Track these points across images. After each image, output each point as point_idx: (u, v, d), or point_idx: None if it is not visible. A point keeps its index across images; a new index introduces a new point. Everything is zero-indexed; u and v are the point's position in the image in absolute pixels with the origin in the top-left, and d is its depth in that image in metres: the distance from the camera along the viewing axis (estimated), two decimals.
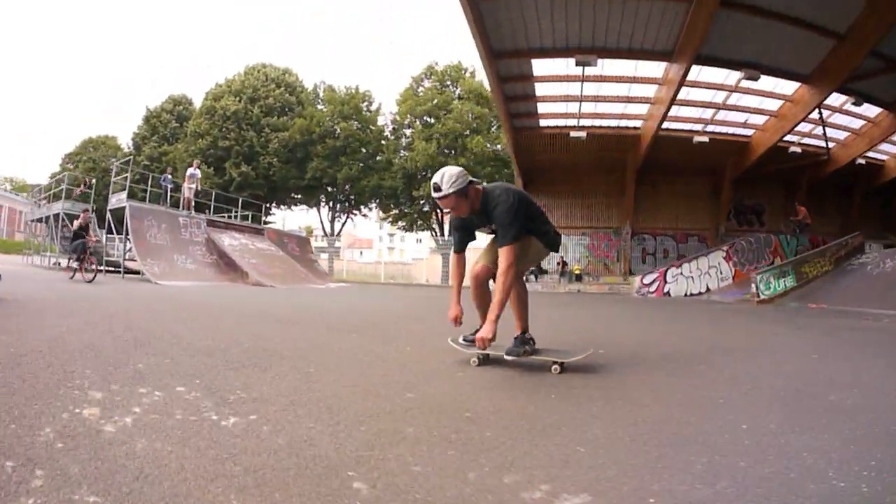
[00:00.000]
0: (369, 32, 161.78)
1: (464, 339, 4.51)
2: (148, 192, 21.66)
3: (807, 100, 20.50)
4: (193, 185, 21.47)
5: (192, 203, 21.49)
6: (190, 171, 21.72)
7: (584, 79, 20.53)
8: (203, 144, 39.05)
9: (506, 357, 4.17)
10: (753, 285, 18.12)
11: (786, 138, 23.64)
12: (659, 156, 25.25)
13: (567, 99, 22.89)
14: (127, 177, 19.82)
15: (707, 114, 23.77)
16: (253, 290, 15.24)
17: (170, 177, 23.10)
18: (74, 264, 15.12)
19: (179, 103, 48.21)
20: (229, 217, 25.98)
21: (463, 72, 41.61)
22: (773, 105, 22.29)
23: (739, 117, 23.94)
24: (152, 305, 8.51)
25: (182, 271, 17.95)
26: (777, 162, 25.43)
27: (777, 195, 28.95)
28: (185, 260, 18.87)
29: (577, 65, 18.55)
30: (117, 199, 19.51)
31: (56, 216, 22.42)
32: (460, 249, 4.54)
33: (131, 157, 21.28)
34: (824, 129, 23.36)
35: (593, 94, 22.25)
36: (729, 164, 26.89)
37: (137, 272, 18.59)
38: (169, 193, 22.67)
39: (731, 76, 19.88)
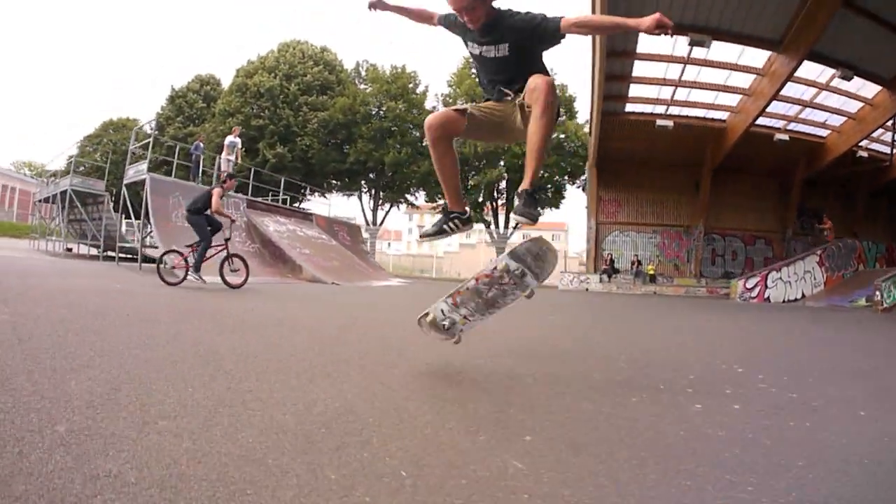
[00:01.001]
0: (369, 32, 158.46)
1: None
2: (174, 167, 17.28)
3: (887, 104, 20.09)
4: (232, 158, 17.52)
5: (233, 179, 17.34)
6: (229, 139, 17.68)
7: (687, 61, 19.50)
8: (233, 124, 35.03)
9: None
10: (878, 293, 16.07)
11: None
12: (736, 152, 24.06)
13: (664, 83, 21.62)
14: (149, 143, 15.79)
15: (792, 111, 22.77)
16: (318, 291, 11.79)
17: (202, 145, 18.84)
18: (190, 258, 10.27)
19: (207, 83, 44.98)
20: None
21: None
22: (853, 107, 21.78)
23: (819, 117, 23.10)
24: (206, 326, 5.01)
25: (217, 262, 13.98)
26: (843, 166, 24.65)
27: (835, 199, 27.63)
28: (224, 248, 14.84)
29: (689, 44, 17.60)
30: (135, 171, 15.73)
31: (63, 194, 18.49)
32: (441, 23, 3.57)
33: (155, 119, 16.72)
34: (893, 136, 23.11)
35: (691, 79, 21.13)
36: (801, 165, 25.86)
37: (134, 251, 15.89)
38: (201, 166, 18.41)
39: (823, 73, 19.31)
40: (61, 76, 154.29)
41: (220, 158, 17.66)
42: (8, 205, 46.77)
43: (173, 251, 10.51)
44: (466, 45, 3.46)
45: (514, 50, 3.23)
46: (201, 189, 16.29)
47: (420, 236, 3.54)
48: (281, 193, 22.49)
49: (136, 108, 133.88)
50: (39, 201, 24.13)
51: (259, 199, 19.62)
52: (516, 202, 3.26)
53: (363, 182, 39.19)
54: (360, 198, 39.79)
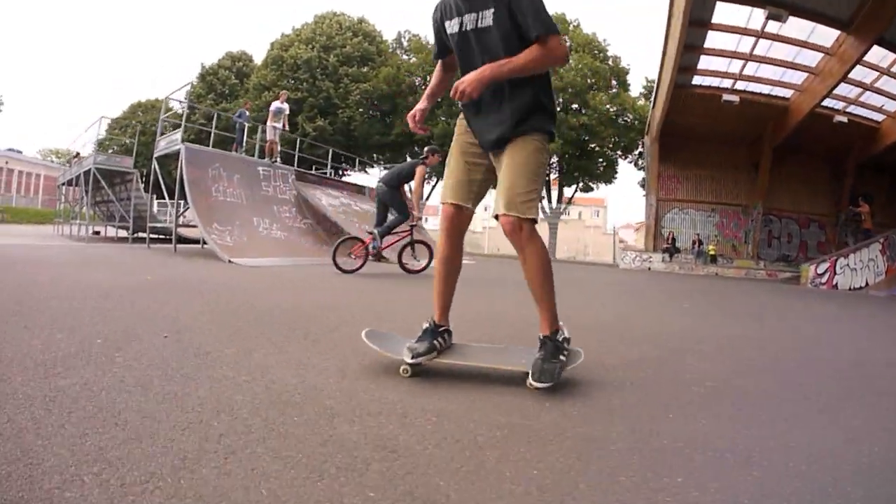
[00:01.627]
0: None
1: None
2: (211, 140, 14.50)
3: None
4: (279, 125, 15.22)
5: (278, 148, 15.21)
6: (276, 105, 15.35)
7: (761, 34, 18.62)
8: (270, 98, 33.08)
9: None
10: None
11: None
12: (796, 132, 23.00)
13: (735, 56, 20.53)
14: (182, 113, 13.65)
15: (853, 93, 21.43)
16: (398, 271, 9.70)
17: (247, 112, 16.46)
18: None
19: (239, 59, 43.27)
20: None
21: (567, 24, 35.68)
22: None
23: (877, 100, 21.87)
24: None
25: (266, 242, 12.00)
26: None
27: (882, 185, 25.69)
28: (270, 225, 12.79)
29: (766, 17, 16.71)
30: (167, 142, 13.50)
31: (87, 174, 16.56)
32: (443, 56, 2.93)
33: (189, 85, 14.43)
34: None
35: (761, 54, 20.09)
36: (855, 149, 24.69)
37: (195, 241, 13.93)
38: (245, 135, 16.10)
39: (885, 58, 18.14)
40: (60, 76, 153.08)
41: (267, 126, 15.39)
42: (34, 192, 45.83)
43: (352, 238, 9.68)
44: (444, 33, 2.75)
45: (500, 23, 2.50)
46: (245, 159, 14.21)
47: (412, 358, 2.59)
48: (328, 165, 20.23)
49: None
50: (63, 184, 22.50)
51: (309, 172, 17.39)
52: (536, 356, 2.58)
53: (408, 155, 36.69)
54: None
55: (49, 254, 9.61)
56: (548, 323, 2.61)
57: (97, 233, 17.74)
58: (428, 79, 34.33)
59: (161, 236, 15.62)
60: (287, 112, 15.68)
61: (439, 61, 2.97)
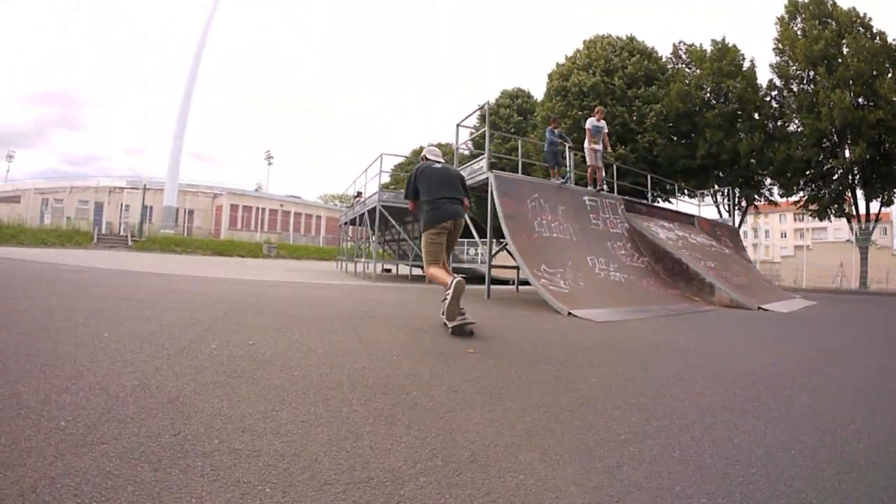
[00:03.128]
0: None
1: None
2: (520, 164, 12.61)
3: None
4: (599, 147, 12.56)
5: (602, 174, 12.70)
6: (592, 122, 12.59)
7: None
8: (558, 124, 31.18)
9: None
10: None
11: None
12: None
13: None
14: (485, 133, 11.50)
15: None
16: (757, 322, 8.12)
17: (557, 131, 13.40)
18: None
19: (517, 96, 42.96)
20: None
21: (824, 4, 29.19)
22: None
23: None
24: None
25: (606, 287, 9.34)
26: None
27: None
28: (607, 265, 10.14)
29: None
30: (469, 173, 11.56)
31: (372, 212, 16.12)
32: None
33: (486, 105, 12.21)
34: None
35: None
36: None
37: (504, 282, 14.21)
38: (559, 157, 13.06)
39: None
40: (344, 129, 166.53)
41: (585, 149, 12.76)
42: (314, 231, 50.00)
43: None
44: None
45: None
46: (567, 188, 11.70)
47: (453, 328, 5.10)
48: (649, 193, 17.39)
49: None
50: (345, 223, 23.28)
51: (638, 200, 14.65)
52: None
53: (714, 178, 32.46)
54: (714, 197, 32.42)
55: (341, 298, 7.99)
56: None
57: (387, 270, 17.13)
58: (725, 82, 30.25)
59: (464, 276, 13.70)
60: (606, 131, 12.78)
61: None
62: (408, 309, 7.48)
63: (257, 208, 46.78)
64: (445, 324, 5.26)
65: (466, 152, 44.38)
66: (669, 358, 4.63)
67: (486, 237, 10.67)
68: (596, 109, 13.12)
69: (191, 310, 5.91)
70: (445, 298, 5.17)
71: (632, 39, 34.92)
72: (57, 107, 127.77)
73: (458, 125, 14.02)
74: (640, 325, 6.76)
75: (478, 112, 16.97)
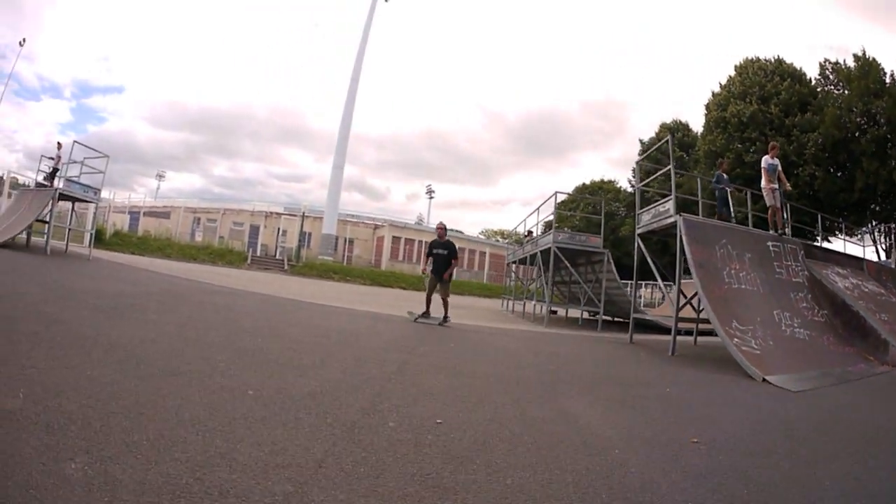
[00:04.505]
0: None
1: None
2: (700, 206, 12.24)
3: None
4: (776, 185, 12.19)
5: (784, 215, 12.38)
6: (767, 161, 12.30)
7: None
8: (728, 165, 30.19)
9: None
10: None
11: None
12: None
13: None
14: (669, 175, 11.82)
15: None
16: None
17: (725, 176, 13.06)
18: None
19: (676, 129, 42.05)
20: None
21: None
22: None
23: None
24: None
25: (792, 347, 9.03)
26: None
27: None
28: (791, 320, 9.78)
29: None
30: (653, 216, 11.58)
31: (545, 252, 16.00)
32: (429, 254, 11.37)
33: (670, 141, 12.46)
34: None
35: None
36: None
37: (654, 324, 13.50)
38: (730, 201, 13.05)
39: None
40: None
41: (765, 189, 12.39)
42: (478, 267, 50.15)
43: None
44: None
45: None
46: (752, 233, 11.47)
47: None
48: (820, 233, 16.66)
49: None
50: (513, 262, 23.17)
51: (815, 244, 14.14)
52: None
53: (871, 213, 29.81)
54: (872, 234, 29.78)
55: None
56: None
57: (553, 312, 17.13)
58: (874, 103, 27.94)
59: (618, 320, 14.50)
60: (780, 168, 12.62)
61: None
62: (599, 369, 7.59)
63: (419, 241, 48.02)
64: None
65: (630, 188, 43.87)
66: (886, 447, 4.29)
67: (665, 279, 10.74)
68: (770, 146, 12.75)
69: (356, 359, 5.64)
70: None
71: (780, 62, 33.43)
72: (209, 134, 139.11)
73: (637, 162, 14.42)
74: (834, 397, 6.50)
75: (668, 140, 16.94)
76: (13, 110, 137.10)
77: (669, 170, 11.25)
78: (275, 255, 39.47)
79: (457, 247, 11.49)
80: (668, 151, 12.07)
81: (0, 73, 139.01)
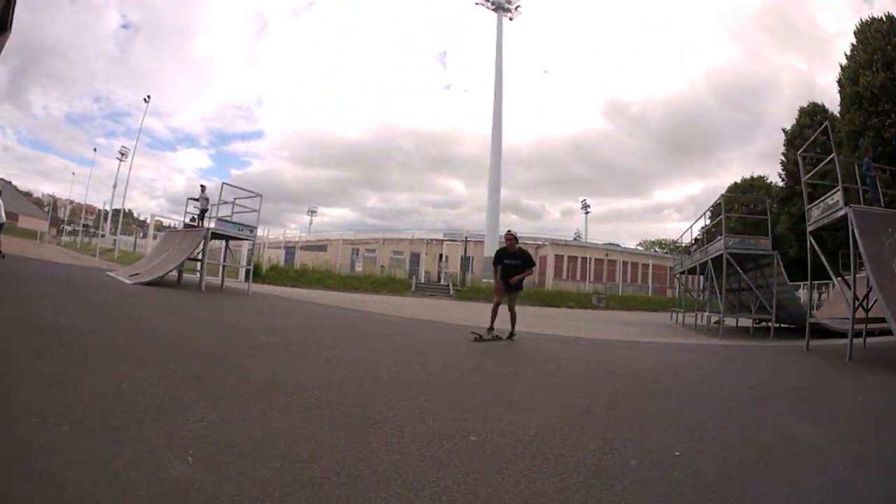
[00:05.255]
0: None
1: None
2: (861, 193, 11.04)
3: None
4: None
5: None
6: None
7: None
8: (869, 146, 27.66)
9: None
10: None
11: None
12: None
13: None
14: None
15: None
16: None
17: (867, 159, 11.70)
18: None
19: (815, 113, 38.96)
20: None
21: None
22: None
23: None
24: None
25: None
26: None
27: None
28: None
29: None
30: (822, 210, 10.70)
31: (715, 260, 15.43)
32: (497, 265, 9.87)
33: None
34: None
35: None
36: None
37: (820, 328, 12.49)
38: (878, 186, 11.41)
39: None
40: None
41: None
42: (641, 280, 48.78)
43: None
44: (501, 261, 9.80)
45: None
46: None
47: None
48: None
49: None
50: (681, 273, 22.12)
51: None
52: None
53: None
54: None
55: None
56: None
57: (717, 323, 16.22)
58: None
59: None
60: None
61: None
62: (790, 381, 7.11)
63: (581, 258, 47.39)
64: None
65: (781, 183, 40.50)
66: None
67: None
68: None
69: (563, 389, 5.44)
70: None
71: (892, 20, 30.50)
72: (357, 169, 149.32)
73: (800, 154, 13.58)
74: None
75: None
76: (148, 161, 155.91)
77: (833, 158, 10.46)
78: (438, 281, 40.00)
79: (531, 255, 10.26)
80: (821, 139, 11.25)
81: (129, 129, 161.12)
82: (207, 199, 19.83)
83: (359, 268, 43.43)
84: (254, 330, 8.18)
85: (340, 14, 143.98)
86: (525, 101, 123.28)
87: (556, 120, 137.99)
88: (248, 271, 18.91)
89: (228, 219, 17.09)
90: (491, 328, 9.48)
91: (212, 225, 16.79)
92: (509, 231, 10.08)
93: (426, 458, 2.92)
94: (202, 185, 20.83)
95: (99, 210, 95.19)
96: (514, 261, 9.78)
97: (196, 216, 19.88)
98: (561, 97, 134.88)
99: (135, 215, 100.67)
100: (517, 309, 9.86)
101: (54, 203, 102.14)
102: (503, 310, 9.65)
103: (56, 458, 2.35)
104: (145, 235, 55.13)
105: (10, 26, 20.06)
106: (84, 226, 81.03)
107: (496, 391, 4.97)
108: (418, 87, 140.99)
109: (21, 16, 19.24)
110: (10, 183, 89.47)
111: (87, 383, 3.69)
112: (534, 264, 10.16)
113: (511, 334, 9.60)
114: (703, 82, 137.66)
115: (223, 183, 17.96)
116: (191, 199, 20.38)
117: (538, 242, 51.38)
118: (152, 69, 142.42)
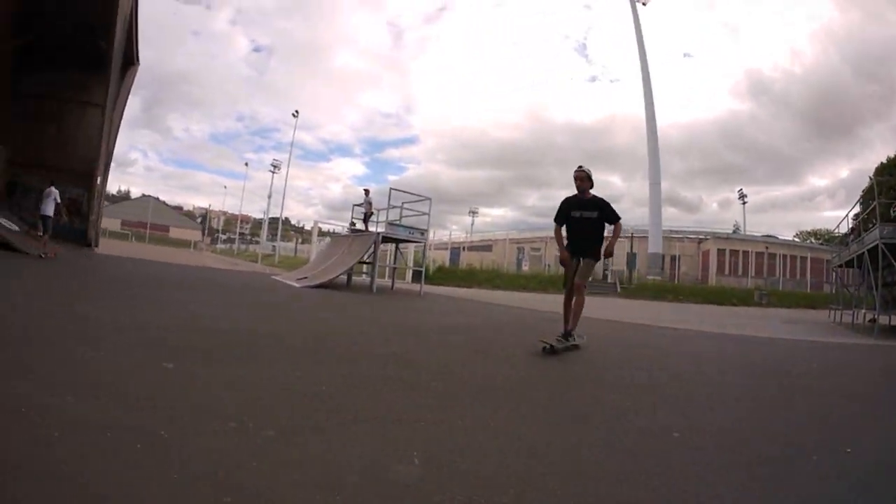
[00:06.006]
0: None
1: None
2: None
3: None
4: None
5: None
6: None
7: None
8: None
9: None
10: None
11: None
12: None
13: None
14: None
15: None
16: None
17: None
18: None
19: None
20: None
21: None
22: None
23: None
24: None
25: None
26: None
27: None
28: None
29: None
30: None
31: (872, 251, 14.52)
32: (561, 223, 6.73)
33: None
34: None
35: None
36: None
37: None
38: None
39: None
40: None
41: None
42: (799, 274, 46.04)
43: None
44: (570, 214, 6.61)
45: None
46: None
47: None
48: None
49: None
50: (838, 266, 20.66)
51: None
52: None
53: None
54: None
55: None
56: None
57: (872, 321, 15.01)
58: None
59: None
60: None
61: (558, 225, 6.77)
62: None
63: (742, 252, 45.74)
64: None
65: None
66: None
67: None
68: None
69: (778, 389, 5.25)
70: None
71: None
72: (514, 168, 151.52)
73: None
74: None
75: None
76: (302, 172, 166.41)
77: None
78: (604, 279, 39.31)
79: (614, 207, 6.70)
80: None
81: (278, 143, 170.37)
82: (370, 203, 20.46)
83: (526, 267, 44.07)
84: (438, 329, 8.28)
85: (472, 17, 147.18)
86: (670, 86, 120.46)
87: (703, 105, 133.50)
88: (417, 272, 19.39)
89: (397, 222, 17.29)
90: (567, 332, 6.32)
91: (382, 229, 17.16)
92: (581, 167, 6.58)
93: (628, 451, 2.94)
94: (366, 190, 21.44)
95: (253, 219, 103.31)
96: (588, 212, 6.51)
97: (360, 220, 20.75)
98: (704, 80, 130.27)
99: (291, 222, 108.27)
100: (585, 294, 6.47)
101: (206, 214, 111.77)
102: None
103: (263, 466, 2.22)
104: (303, 241, 59.28)
105: (138, 59, 22.56)
106: (240, 234, 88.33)
107: (688, 390, 4.95)
108: (564, 82, 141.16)
109: (144, 53, 21.97)
110: (157, 199, 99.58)
111: (279, 385, 3.68)
112: (618, 218, 6.62)
113: (567, 334, 6.32)
114: (834, 53, 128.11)
115: (391, 188, 18.48)
116: (355, 205, 21.26)
117: (700, 236, 49.78)
118: (293, 85, 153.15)
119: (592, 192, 6.68)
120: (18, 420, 2.39)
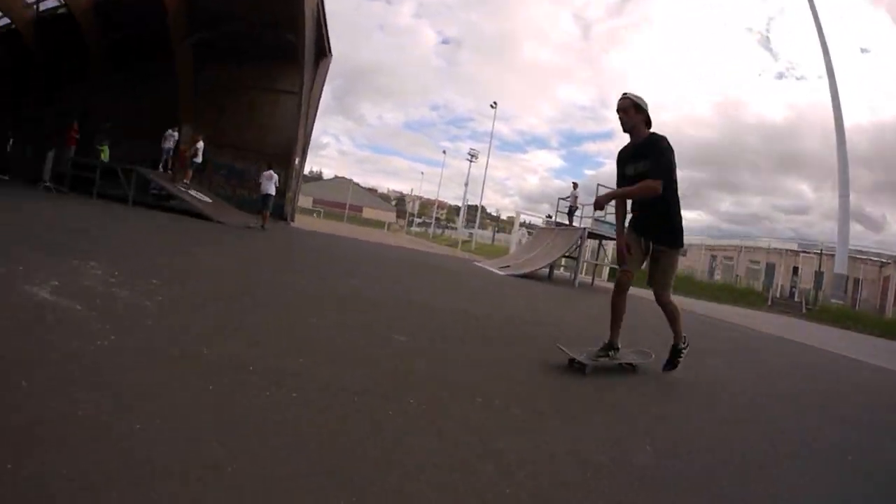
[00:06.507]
0: None
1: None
2: None
3: None
4: None
5: None
6: None
7: None
8: None
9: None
10: None
11: None
12: None
13: None
14: None
15: None
16: None
17: None
18: None
19: None
20: None
21: None
22: None
23: None
24: None
25: None
26: None
27: None
28: None
29: None
30: None
31: None
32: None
33: None
34: None
35: None
36: None
37: None
38: None
39: None
40: None
41: None
42: None
43: None
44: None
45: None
46: None
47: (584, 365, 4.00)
48: None
49: None
50: None
51: None
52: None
53: None
54: None
55: None
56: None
57: None
58: None
59: None
60: None
61: None
62: None
63: None
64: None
65: None
66: None
67: None
68: None
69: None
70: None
71: None
72: (709, 170, 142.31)
73: None
74: None
75: None
76: (499, 162, 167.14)
77: None
78: (791, 297, 36.50)
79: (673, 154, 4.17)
80: None
81: (473, 132, 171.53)
82: (576, 198, 20.34)
83: (717, 276, 42.46)
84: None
85: (660, 11, 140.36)
86: (853, 86, 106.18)
87: (887, 108, 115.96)
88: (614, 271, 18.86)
89: (602, 219, 17.03)
90: (610, 343, 4.29)
91: (587, 224, 17.10)
92: (625, 94, 4.19)
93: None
94: (574, 183, 21.07)
95: (449, 205, 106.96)
96: (642, 163, 4.12)
97: (564, 213, 20.72)
98: (887, 79, 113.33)
99: (487, 210, 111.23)
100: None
101: (402, 197, 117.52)
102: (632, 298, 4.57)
103: (513, 440, 2.36)
104: (499, 230, 60.65)
105: (330, 51, 23.95)
106: (436, 219, 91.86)
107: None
108: (751, 78, 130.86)
109: (334, 46, 23.09)
110: (351, 180, 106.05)
111: (520, 366, 3.98)
112: (663, 174, 4.03)
113: (677, 353, 4.46)
114: None
115: (598, 185, 18.01)
116: (561, 198, 21.24)
117: (882, 260, 44.06)
118: (484, 76, 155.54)
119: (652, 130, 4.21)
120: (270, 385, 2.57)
